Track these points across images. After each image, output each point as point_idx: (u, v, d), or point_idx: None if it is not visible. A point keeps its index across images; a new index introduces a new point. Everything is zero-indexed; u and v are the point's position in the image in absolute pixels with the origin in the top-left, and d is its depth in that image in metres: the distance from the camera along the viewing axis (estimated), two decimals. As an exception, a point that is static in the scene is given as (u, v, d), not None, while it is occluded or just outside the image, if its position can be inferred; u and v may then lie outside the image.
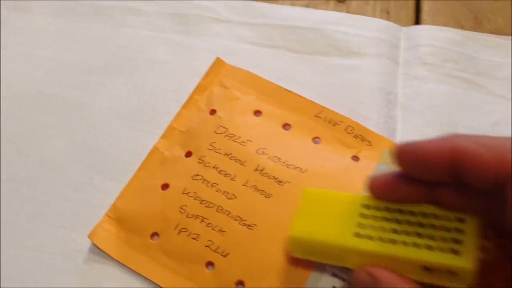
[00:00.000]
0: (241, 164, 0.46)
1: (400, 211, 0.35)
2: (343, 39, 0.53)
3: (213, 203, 0.44)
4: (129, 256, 0.43)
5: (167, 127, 0.49)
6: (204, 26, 0.55)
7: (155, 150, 0.48)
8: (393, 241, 0.34)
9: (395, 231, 0.34)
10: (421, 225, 0.34)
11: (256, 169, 0.45)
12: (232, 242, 0.43)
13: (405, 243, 0.33)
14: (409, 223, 0.34)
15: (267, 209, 0.43)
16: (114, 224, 0.44)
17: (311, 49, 0.53)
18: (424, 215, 0.34)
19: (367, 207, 0.36)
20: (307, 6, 0.57)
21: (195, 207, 0.44)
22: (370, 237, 0.34)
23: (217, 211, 0.44)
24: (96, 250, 0.43)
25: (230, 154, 0.46)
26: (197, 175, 0.46)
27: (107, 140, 0.48)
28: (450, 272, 0.32)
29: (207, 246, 0.43)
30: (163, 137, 0.48)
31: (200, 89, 0.51)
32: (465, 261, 0.32)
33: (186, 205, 0.44)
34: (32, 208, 0.45)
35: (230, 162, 0.46)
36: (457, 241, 0.33)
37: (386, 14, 0.57)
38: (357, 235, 0.35)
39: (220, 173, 0.45)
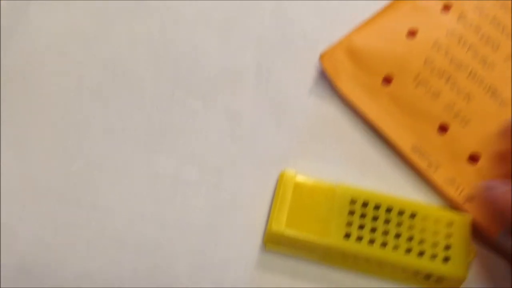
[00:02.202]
0: (507, 36, 0.39)
1: (389, 210, 0.35)
2: None
3: (466, 66, 0.38)
4: (356, 92, 0.38)
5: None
6: None
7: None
8: (384, 244, 0.34)
9: (385, 233, 0.34)
10: (411, 227, 0.34)
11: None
12: (477, 112, 0.37)
13: (396, 248, 0.34)
14: (399, 224, 0.34)
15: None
16: (346, 55, 0.40)
17: None
18: (413, 216, 0.35)
19: (354, 202, 0.35)
20: None
21: (443, 64, 0.38)
22: (360, 239, 0.34)
23: (468, 75, 0.38)
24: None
25: (497, 20, 0.39)
26: (454, 31, 0.39)
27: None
28: (441, 278, 0.34)
29: (446, 108, 0.37)
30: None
31: None
32: (457, 269, 0.33)
33: (433, 59, 0.39)
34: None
35: (495, 30, 0.39)
36: (447, 247, 0.34)
37: None
38: (347, 236, 0.34)
39: (482, 38, 0.39)
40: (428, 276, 0.34)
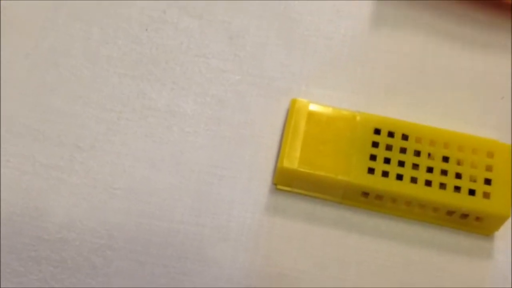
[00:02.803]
0: None
1: (418, 141, 0.30)
2: None
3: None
4: None
5: None
6: None
7: None
8: (413, 180, 0.29)
9: (415, 167, 0.29)
10: (444, 160, 0.30)
11: None
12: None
13: (427, 183, 0.29)
14: (430, 156, 0.30)
15: None
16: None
17: None
18: (446, 146, 0.30)
19: (379, 132, 0.30)
20: None
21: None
22: (385, 174, 0.29)
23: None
24: None
25: None
26: None
27: None
28: (479, 219, 0.29)
29: None
30: None
31: None
32: (498, 206, 0.29)
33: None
34: None
35: None
36: (487, 181, 0.29)
37: None
38: (371, 171, 0.29)
39: None
40: (465, 215, 0.29)
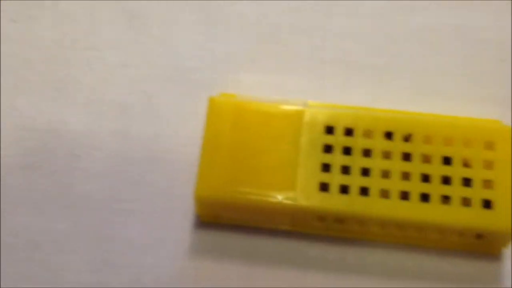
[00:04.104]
0: None
1: (388, 136, 0.22)
2: None
3: None
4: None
5: None
6: None
7: None
8: (384, 194, 0.21)
9: (384, 175, 0.21)
10: (426, 159, 0.22)
11: None
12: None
13: (403, 196, 0.21)
14: (406, 157, 0.22)
15: None
16: None
17: None
18: (428, 139, 0.22)
19: (331, 131, 0.22)
20: None
21: None
22: (345, 189, 0.21)
23: None
24: None
25: None
26: None
27: None
28: (480, 236, 0.21)
29: None
30: None
31: None
32: (503, 219, 0.21)
33: None
34: None
35: None
36: (487, 184, 0.21)
37: None
38: (324, 187, 0.21)
39: None
40: (460, 234, 0.21)
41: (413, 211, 0.21)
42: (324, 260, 0.22)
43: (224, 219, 0.23)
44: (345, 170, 0.21)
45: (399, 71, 0.25)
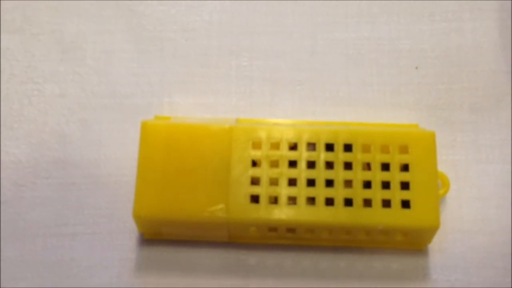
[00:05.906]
0: None
1: (312, 146, 0.23)
2: None
3: None
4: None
5: None
6: None
7: None
8: (310, 201, 0.22)
9: (310, 183, 0.23)
10: (347, 166, 0.23)
11: None
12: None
13: (328, 202, 0.22)
14: (329, 166, 0.23)
15: None
16: None
17: None
18: (349, 147, 0.23)
19: (258, 146, 0.23)
20: None
21: None
22: (274, 200, 0.23)
23: None
24: None
25: None
26: None
27: None
28: (403, 231, 0.23)
29: None
30: None
31: None
32: (422, 216, 0.22)
33: None
34: None
35: None
36: (404, 185, 0.23)
37: None
38: (254, 199, 0.23)
39: None
40: (385, 233, 0.23)
41: (339, 215, 0.22)
42: (263, 267, 0.24)
43: (166, 235, 0.24)
44: (273, 182, 0.23)
45: (323, 84, 0.26)
